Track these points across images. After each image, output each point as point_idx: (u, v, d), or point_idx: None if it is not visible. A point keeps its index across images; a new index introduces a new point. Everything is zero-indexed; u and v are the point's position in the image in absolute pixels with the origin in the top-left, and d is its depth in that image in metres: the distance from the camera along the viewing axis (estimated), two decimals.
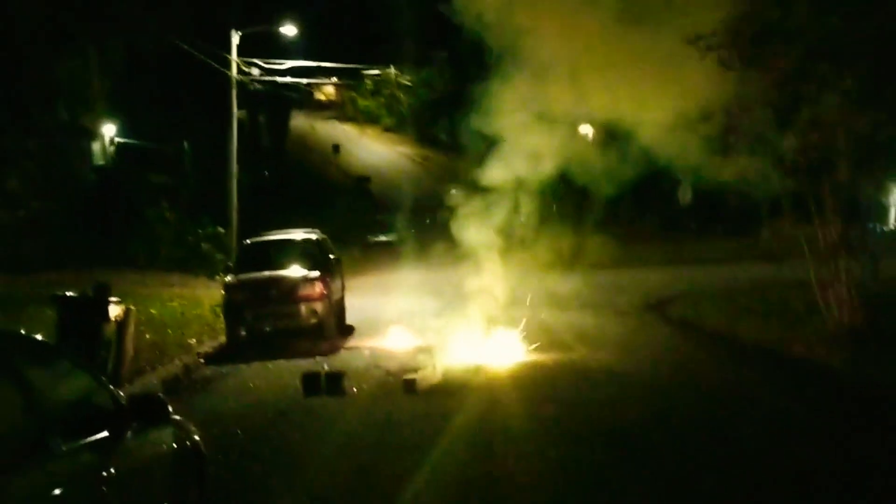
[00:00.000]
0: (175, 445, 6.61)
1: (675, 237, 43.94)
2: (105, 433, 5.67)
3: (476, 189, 19.69)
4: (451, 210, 19.54)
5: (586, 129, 53.91)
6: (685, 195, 42.81)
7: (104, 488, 5.34)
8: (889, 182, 19.23)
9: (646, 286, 28.43)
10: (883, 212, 18.86)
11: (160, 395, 6.64)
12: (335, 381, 14.26)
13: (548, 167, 18.18)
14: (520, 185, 18.57)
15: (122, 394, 6.33)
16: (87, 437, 5.53)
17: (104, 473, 5.38)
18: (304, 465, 10.14)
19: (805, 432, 10.89)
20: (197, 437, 7.20)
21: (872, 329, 16.23)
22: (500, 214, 19.50)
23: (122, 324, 14.92)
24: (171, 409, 6.26)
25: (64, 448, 5.19)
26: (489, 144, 18.68)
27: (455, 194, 20.05)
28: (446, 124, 63.63)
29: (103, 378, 6.38)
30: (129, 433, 5.94)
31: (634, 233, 41.61)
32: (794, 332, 17.37)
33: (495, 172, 18.29)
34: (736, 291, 24.99)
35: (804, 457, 9.77)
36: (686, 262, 36.21)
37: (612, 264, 33.61)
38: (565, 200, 28.00)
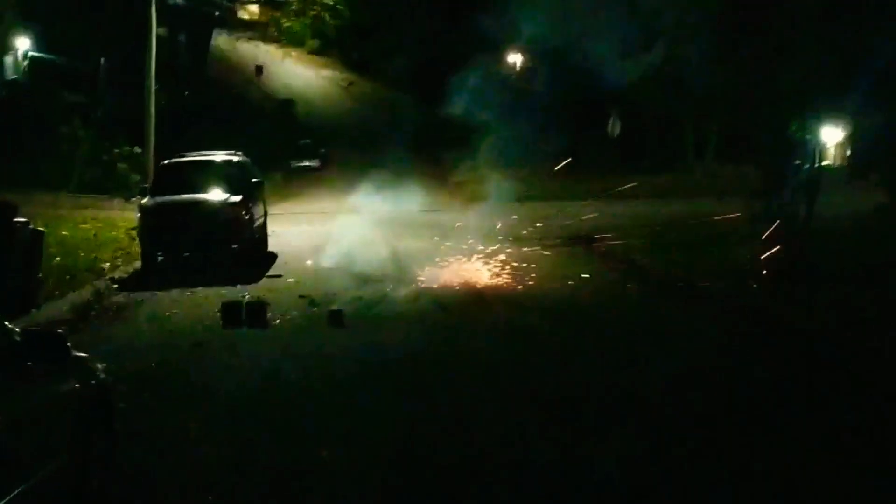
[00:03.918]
0: (78, 387, 5.89)
1: (600, 171, 43.51)
2: None
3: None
4: None
5: (514, 58, 53.42)
6: (614, 128, 42.36)
7: None
8: (828, 120, 18.95)
9: (574, 219, 28.04)
10: (821, 150, 18.59)
11: (59, 331, 5.88)
12: (257, 311, 13.57)
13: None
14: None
15: (16, 330, 5.59)
16: None
17: None
18: (221, 403, 9.51)
19: (723, 365, 10.96)
20: (104, 377, 6.48)
21: (803, 267, 16.05)
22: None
23: (30, 247, 14.05)
24: (70, 346, 5.54)
25: None
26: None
27: None
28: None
29: None
30: (20, 374, 5.24)
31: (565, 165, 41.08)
32: (720, 267, 17.15)
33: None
34: (665, 226, 24.75)
35: (719, 388, 9.89)
36: (614, 197, 35.89)
37: (540, 197, 33.27)
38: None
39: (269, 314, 13.67)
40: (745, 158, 16.77)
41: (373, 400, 9.50)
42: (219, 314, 13.67)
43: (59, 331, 5.80)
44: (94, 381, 6.22)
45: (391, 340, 12.20)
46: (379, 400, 9.48)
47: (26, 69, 44.32)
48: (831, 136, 44.16)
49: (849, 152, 44.48)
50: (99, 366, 6.51)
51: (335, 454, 7.83)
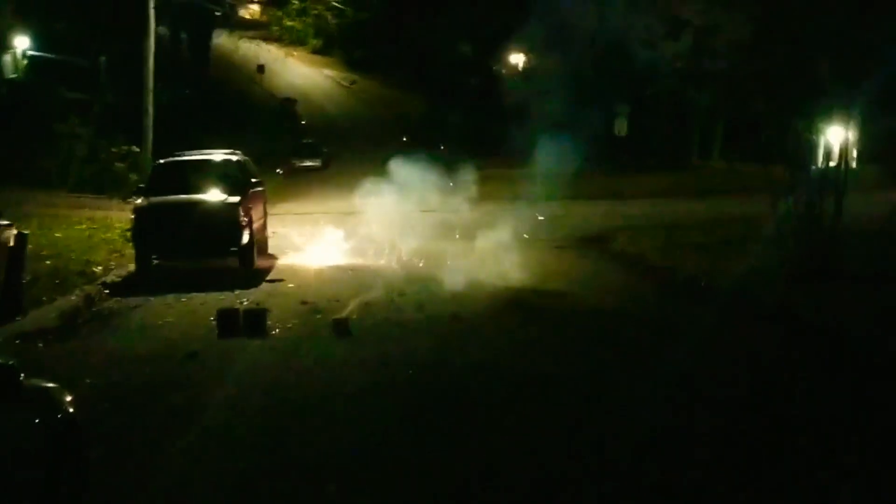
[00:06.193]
0: (37, 422, 5.02)
1: (607, 171, 42.76)
2: None
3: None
4: None
5: (517, 59, 52.69)
6: (621, 127, 41.62)
7: None
8: (843, 119, 18.23)
9: (583, 220, 27.34)
10: (845, 149, 17.96)
11: (10, 363, 4.94)
12: (255, 319, 12.73)
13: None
14: None
15: None
16: None
17: None
18: (215, 419, 8.70)
19: (749, 366, 10.69)
20: (72, 410, 5.59)
21: (829, 267, 15.36)
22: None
23: (14, 249, 13.25)
24: (22, 379, 4.68)
25: None
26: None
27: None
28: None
29: None
30: None
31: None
32: (744, 268, 16.41)
33: None
34: (679, 226, 24.09)
35: (744, 391, 9.61)
36: (622, 196, 35.21)
37: (548, 198, 32.51)
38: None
39: (268, 322, 12.84)
40: (765, 156, 15.95)
41: (382, 422, 8.64)
42: (215, 322, 12.84)
43: (10, 363, 4.86)
44: (59, 415, 5.34)
45: (400, 352, 11.35)
46: (389, 423, 8.62)
47: (25, 68, 43.78)
48: (840, 136, 43.63)
49: (855, 153, 43.82)
50: (67, 397, 5.63)
51: (341, 486, 7.02)
